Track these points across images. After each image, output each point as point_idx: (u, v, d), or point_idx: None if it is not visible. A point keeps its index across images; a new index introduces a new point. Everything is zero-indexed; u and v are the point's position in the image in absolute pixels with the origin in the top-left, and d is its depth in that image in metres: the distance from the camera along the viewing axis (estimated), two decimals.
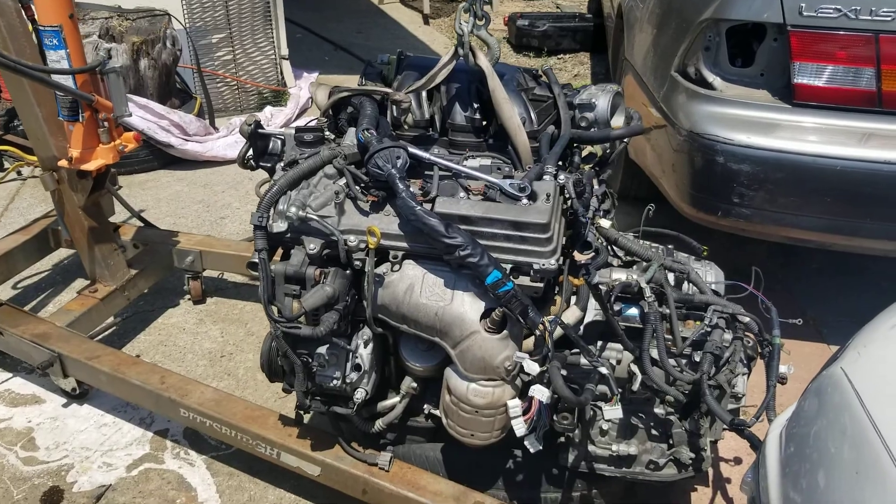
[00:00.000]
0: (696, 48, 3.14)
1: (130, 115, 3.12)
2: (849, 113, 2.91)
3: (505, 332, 2.13)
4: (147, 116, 4.94)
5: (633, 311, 2.32)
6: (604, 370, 2.14)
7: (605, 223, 2.44)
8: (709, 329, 2.28)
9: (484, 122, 2.43)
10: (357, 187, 2.18)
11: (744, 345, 2.36)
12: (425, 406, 2.53)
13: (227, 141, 5.27)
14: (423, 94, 2.45)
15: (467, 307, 2.13)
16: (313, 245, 2.17)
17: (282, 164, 2.31)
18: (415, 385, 2.43)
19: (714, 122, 3.01)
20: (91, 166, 3.04)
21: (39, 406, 3.21)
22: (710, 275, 2.60)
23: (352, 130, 2.33)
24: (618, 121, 2.54)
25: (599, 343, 2.36)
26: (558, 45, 7.63)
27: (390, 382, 2.54)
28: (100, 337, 3.56)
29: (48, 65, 2.90)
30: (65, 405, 3.21)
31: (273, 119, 5.75)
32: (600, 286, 2.33)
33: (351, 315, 2.28)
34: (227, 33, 5.84)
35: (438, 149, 2.49)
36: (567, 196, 2.16)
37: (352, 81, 2.73)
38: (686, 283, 2.45)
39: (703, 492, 2.84)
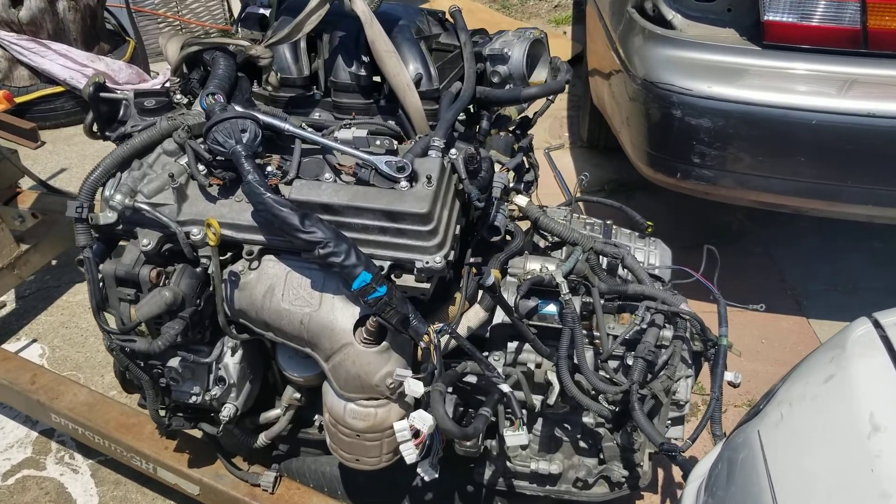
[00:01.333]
0: None
1: (24, 91, 2.68)
2: (828, 56, 2.43)
3: (384, 343, 1.75)
4: (68, 65, 4.48)
5: (551, 308, 1.92)
6: (505, 388, 1.76)
7: (520, 200, 2.02)
8: (643, 327, 1.88)
9: (374, 80, 1.99)
10: (201, 167, 1.76)
11: (687, 343, 1.98)
12: (316, 417, 2.16)
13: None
14: (302, 45, 2.01)
15: (338, 314, 1.74)
16: (147, 240, 1.77)
17: (113, 138, 1.89)
18: (298, 395, 2.06)
19: (671, 68, 2.55)
20: None
21: None
22: (655, 256, 2.19)
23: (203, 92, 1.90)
24: (539, 75, 2.10)
25: (514, 345, 1.96)
26: None
27: (276, 389, 2.17)
28: None
29: None
30: None
31: None
32: (510, 279, 1.94)
33: (208, 319, 1.89)
34: None
35: (321, 112, 2.05)
36: (458, 176, 1.74)
37: None
38: (621, 267, 2.04)
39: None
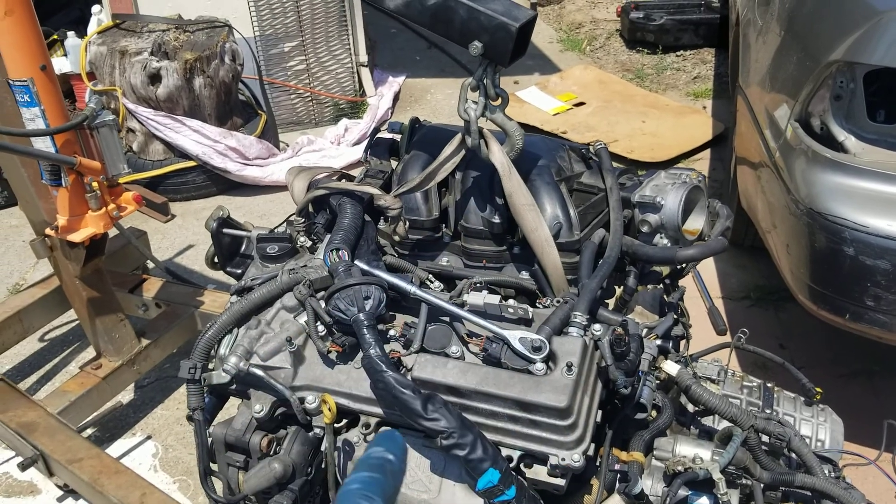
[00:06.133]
0: (823, 95, 2.36)
1: (129, 172, 2.68)
2: None
3: None
4: (201, 140, 4.56)
5: (704, 501, 1.66)
6: None
7: (671, 368, 1.77)
8: None
9: (509, 225, 1.81)
10: (321, 327, 1.62)
11: None
12: None
13: (290, 163, 4.82)
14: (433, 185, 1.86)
15: None
16: (260, 406, 1.64)
17: (232, 290, 1.78)
18: None
19: (844, 199, 2.25)
20: (77, 237, 2.62)
21: (33, 498, 2.87)
22: (824, 430, 1.90)
23: (327, 241, 1.78)
24: (695, 223, 1.86)
25: None
26: (677, 41, 6.72)
27: None
28: (112, 406, 3.18)
29: (24, 124, 2.48)
30: (59, 499, 2.85)
31: (347, 135, 5.26)
32: (656, 463, 1.70)
33: (319, 486, 1.74)
34: (299, 41, 5.37)
35: (449, 257, 1.89)
36: (601, 362, 1.52)
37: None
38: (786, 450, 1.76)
39: None
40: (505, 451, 1.50)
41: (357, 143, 5.25)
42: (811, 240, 2.33)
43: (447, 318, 1.64)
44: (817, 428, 1.88)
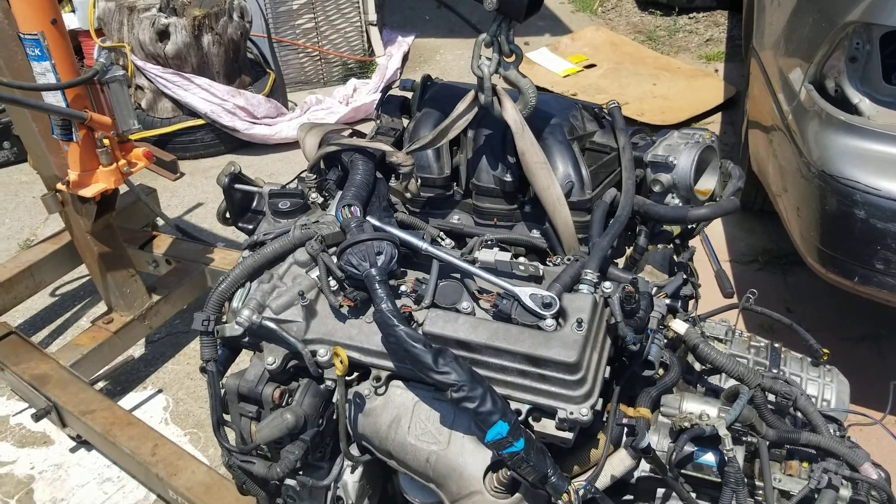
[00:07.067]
0: (839, 57, 2.34)
1: (139, 128, 2.68)
2: None
3: (518, 495, 1.56)
4: (210, 98, 4.54)
5: (710, 457, 1.68)
6: None
7: (679, 326, 1.78)
8: (817, 489, 1.62)
9: (520, 183, 1.81)
10: (333, 283, 1.64)
11: None
12: None
13: (299, 122, 4.81)
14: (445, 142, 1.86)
15: (468, 458, 1.58)
16: (272, 358, 1.66)
17: (243, 246, 1.79)
18: None
19: (856, 162, 2.24)
20: (89, 192, 2.63)
21: (47, 448, 2.92)
22: (830, 391, 1.92)
23: (339, 197, 1.78)
24: (707, 183, 1.85)
25: (660, 490, 1.74)
26: (690, 3, 6.61)
27: (395, 501, 2.03)
28: (123, 361, 3.22)
29: (35, 78, 2.48)
30: (72, 449, 2.90)
31: (355, 95, 5.23)
32: (662, 419, 1.72)
33: (329, 437, 1.77)
34: None
35: (460, 215, 1.90)
36: (611, 319, 1.53)
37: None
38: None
39: None
40: (513, 405, 1.52)
41: (365, 103, 5.22)
42: (822, 203, 2.32)
43: (458, 275, 1.65)
44: (823, 388, 1.90)
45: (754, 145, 3.24)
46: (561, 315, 1.51)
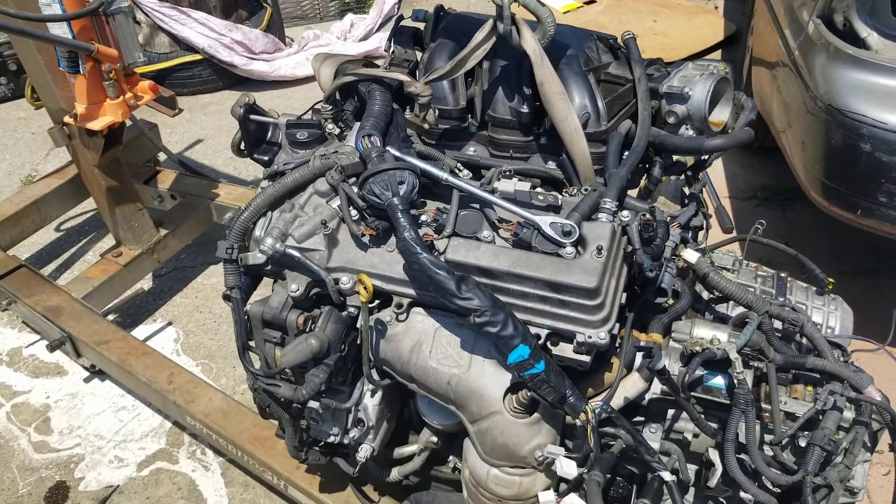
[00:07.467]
0: None
1: (145, 61, 2.66)
2: None
3: (536, 415, 1.63)
4: (207, 33, 4.49)
5: (719, 380, 1.74)
6: (667, 476, 1.62)
7: (690, 256, 1.83)
8: (822, 410, 1.69)
9: (535, 115, 1.83)
10: (354, 212, 1.67)
11: (869, 428, 1.77)
12: (451, 458, 2.08)
13: (297, 59, 4.78)
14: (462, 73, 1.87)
15: (488, 380, 1.63)
16: (296, 286, 1.70)
17: (263, 175, 1.82)
18: (434, 439, 1.98)
19: (863, 96, 2.26)
20: (96, 125, 2.63)
21: (60, 378, 2.97)
22: (835, 318, 1.98)
23: (357, 128, 1.80)
24: (720, 114, 1.88)
25: (670, 412, 1.81)
26: None
27: (411, 424, 2.10)
28: (132, 295, 3.26)
29: (41, 9, 2.45)
30: (86, 379, 2.96)
31: (353, 31, 5.17)
32: (673, 345, 1.77)
33: (352, 361, 1.82)
34: None
35: (476, 147, 1.92)
36: (629, 246, 1.57)
37: None
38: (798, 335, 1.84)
39: None
40: (533, 330, 1.57)
41: (363, 38, 5.17)
42: (828, 136, 2.35)
43: (477, 205, 1.68)
44: (828, 316, 1.96)
45: (758, 82, 3.26)
46: (580, 243, 1.55)
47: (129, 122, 3.09)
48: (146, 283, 3.37)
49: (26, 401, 2.89)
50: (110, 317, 3.13)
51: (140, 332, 3.14)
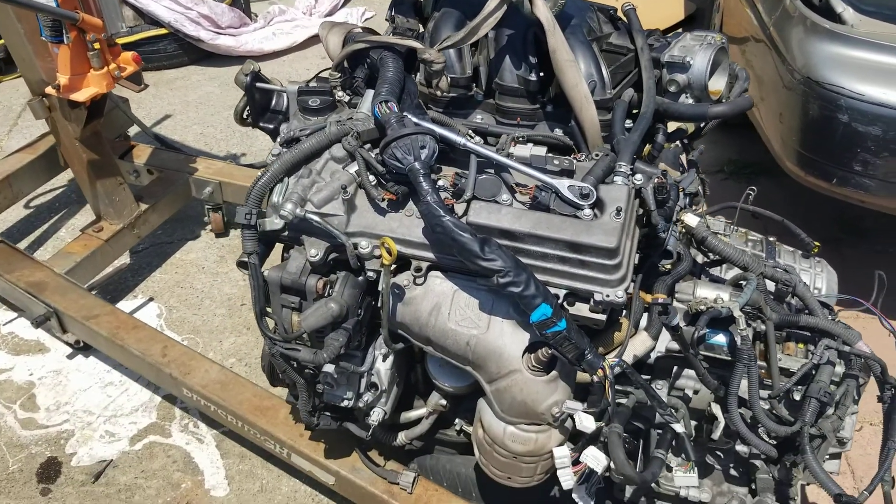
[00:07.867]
0: None
1: (128, 32, 2.62)
2: None
3: (554, 373, 1.69)
4: (173, 7, 4.41)
5: (721, 338, 1.83)
6: (679, 428, 1.70)
7: (691, 220, 1.90)
8: (817, 364, 1.79)
9: (542, 84, 1.88)
10: (372, 178, 1.69)
11: (857, 381, 1.88)
12: (457, 420, 2.14)
13: (264, 34, 4.73)
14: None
15: (507, 339, 1.68)
16: (315, 251, 1.72)
17: (278, 141, 1.83)
18: (444, 402, 2.03)
19: (840, 68, 2.37)
20: (80, 96, 2.59)
21: (42, 356, 2.93)
22: (821, 280, 2.08)
23: (370, 94, 1.82)
24: (717, 83, 1.96)
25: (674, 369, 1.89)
26: None
27: (417, 389, 2.14)
28: (112, 272, 3.22)
29: None
30: (69, 356, 2.92)
31: (318, 6, 5.14)
32: (677, 304, 1.85)
33: (366, 326, 1.86)
34: None
35: (483, 115, 1.96)
36: (644, 208, 1.64)
37: None
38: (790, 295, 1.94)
39: None
40: (551, 290, 1.63)
41: (329, 13, 5.14)
42: (805, 108, 2.46)
43: (492, 170, 1.72)
44: (815, 277, 2.06)
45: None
46: (597, 205, 1.61)
47: None
48: (123, 260, 3.32)
49: (9, 378, 2.84)
50: (91, 293, 3.09)
51: (121, 307, 3.10)
